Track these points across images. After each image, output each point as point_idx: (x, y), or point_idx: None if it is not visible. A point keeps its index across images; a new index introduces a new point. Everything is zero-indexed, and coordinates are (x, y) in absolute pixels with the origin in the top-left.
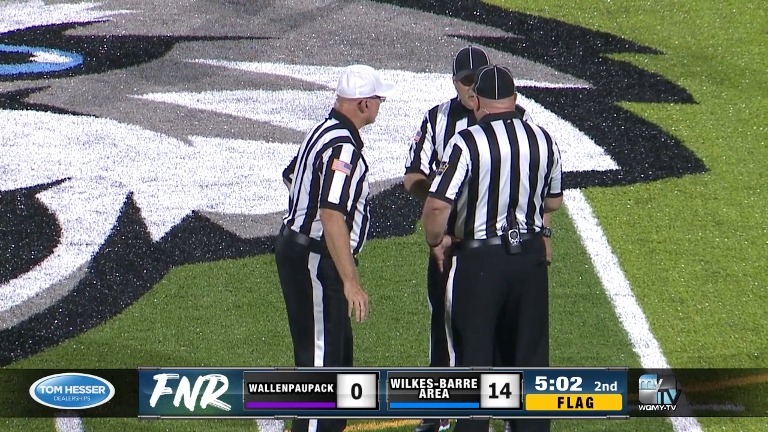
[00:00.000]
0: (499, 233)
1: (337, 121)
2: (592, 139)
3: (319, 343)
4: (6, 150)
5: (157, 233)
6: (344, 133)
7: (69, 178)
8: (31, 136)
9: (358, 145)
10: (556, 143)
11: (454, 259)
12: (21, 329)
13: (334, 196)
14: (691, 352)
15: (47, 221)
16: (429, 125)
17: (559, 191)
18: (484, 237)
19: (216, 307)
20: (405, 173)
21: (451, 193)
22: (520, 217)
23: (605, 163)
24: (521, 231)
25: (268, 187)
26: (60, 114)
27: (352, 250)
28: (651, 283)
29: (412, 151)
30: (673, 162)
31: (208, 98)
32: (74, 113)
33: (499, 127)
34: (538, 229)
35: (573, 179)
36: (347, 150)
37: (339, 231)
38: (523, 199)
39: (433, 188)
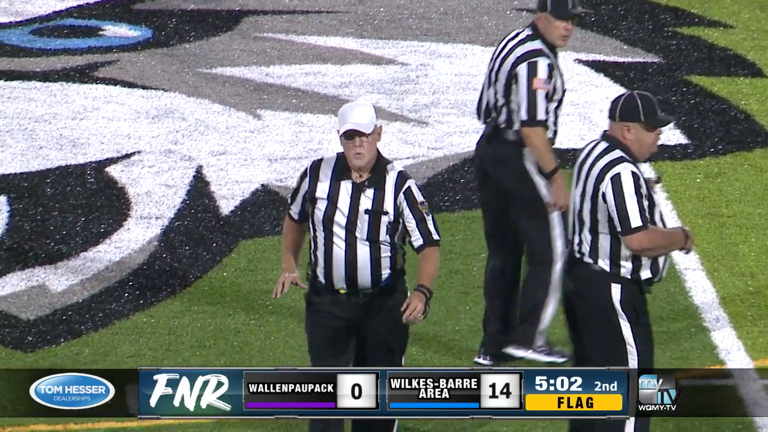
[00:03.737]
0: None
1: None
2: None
3: None
4: (76, 124)
5: (226, 207)
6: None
7: (138, 152)
8: (100, 110)
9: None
10: None
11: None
12: (91, 302)
13: None
14: (761, 327)
15: (117, 195)
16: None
17: None
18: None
19: None
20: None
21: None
22: None
23: (675, 137)
24: None
25: None
26: (129, 88)
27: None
28: (721, 258)
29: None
30: (743, 136)
31: (276, 72)
32: (143, 87)
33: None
34: None
35: None
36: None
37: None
38: None
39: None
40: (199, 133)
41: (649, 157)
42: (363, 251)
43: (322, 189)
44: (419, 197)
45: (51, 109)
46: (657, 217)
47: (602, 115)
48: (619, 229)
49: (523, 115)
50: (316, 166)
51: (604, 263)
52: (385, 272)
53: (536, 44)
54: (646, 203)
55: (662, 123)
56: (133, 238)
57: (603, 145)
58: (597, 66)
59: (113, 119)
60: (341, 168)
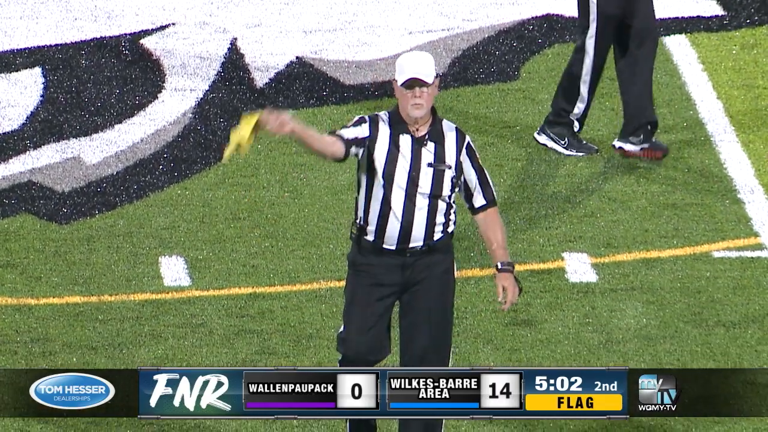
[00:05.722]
0: None
1: None
2: None
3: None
4: None
5: (260, 79)
6: None
7: (173, 24)
8: None
9: None
10: None
11: None
12: (126, 174)
13: None
14: None
15: (151, 67)
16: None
17: None
18: None
19: None
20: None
21: None
22: None
23: (711, 8)
24: None
25: (372, 32)
26: None
27: None
28: (756, 129)
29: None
30: None
31: None
32: None
33: None
34: None
35: (678, 25)
36: None
37: None
38: None
39: None
40: (234, 5)
41: (684, 27)
42: (421, 207)
43: (382, 142)
44: (477, 153)
45: None
46: None
47: None
48: None
49: None
50: (374, 119)
51: None
52: (438, 232)
53: None
54: None
55: None
56: (167, 111)
57: None
58: None
59: None
60: (397, 123)
